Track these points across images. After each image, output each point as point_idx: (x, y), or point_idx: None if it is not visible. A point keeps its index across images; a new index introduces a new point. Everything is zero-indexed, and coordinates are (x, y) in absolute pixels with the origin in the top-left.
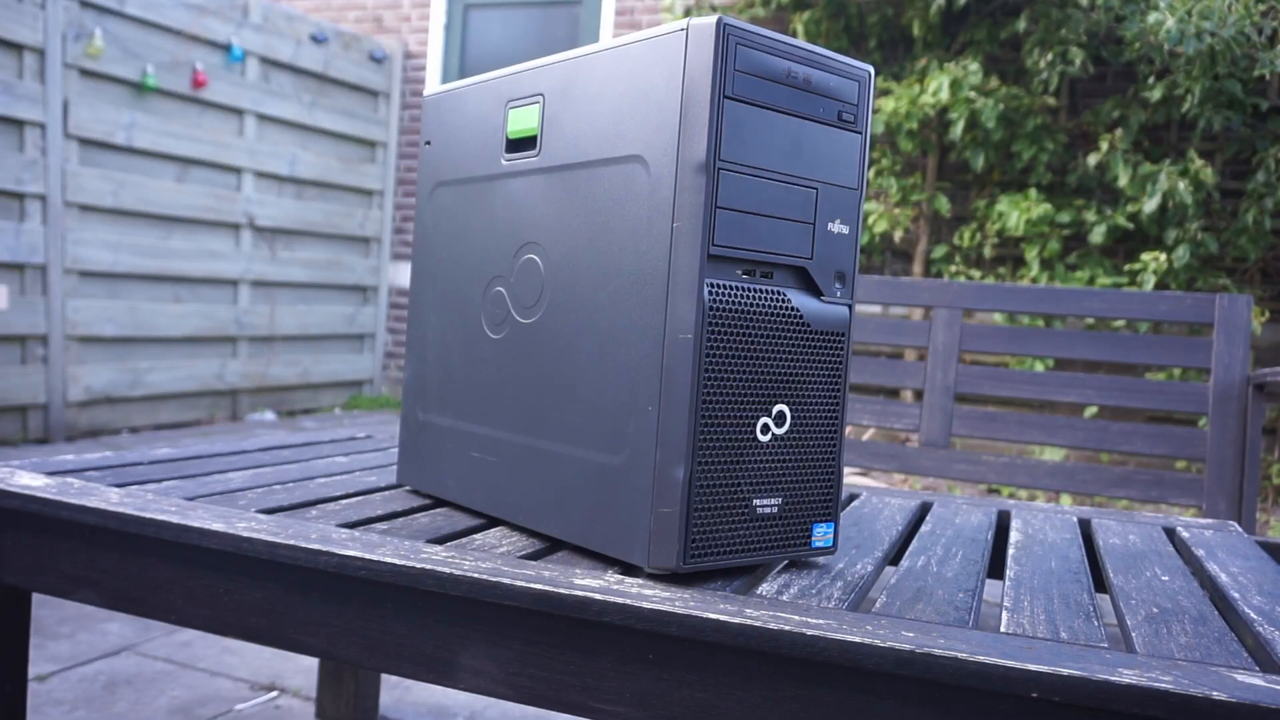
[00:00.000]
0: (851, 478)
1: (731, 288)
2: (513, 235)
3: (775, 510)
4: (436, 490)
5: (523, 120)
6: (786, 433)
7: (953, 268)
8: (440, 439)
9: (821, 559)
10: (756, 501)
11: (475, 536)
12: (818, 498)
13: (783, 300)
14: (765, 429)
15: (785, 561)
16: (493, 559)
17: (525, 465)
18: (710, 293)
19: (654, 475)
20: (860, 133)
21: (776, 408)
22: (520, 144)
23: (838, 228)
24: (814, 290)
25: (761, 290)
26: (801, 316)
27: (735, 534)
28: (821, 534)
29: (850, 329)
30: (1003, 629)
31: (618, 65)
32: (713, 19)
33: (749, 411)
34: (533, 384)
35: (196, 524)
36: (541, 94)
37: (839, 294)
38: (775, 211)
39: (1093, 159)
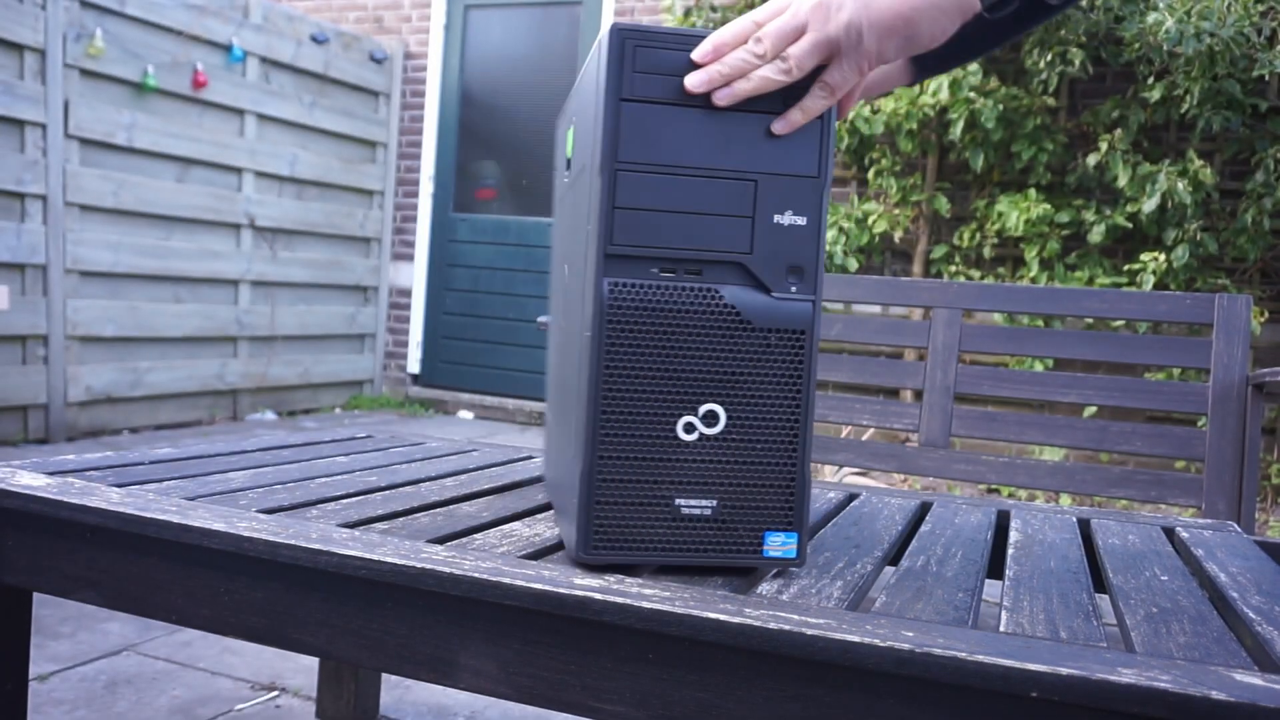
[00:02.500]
0: (851, 478)
1: (638, 285)
2: (562, 246)
3: (709, 513)
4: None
5: (569, 141)
6: (720, 433)
7: (952, 268)
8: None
9: (821, 559)
10: (680, 501)
11: (475, 536)
12: (770, 504)
13: (713, 297)
14: (690, 428)
15: (752, 567)
16: (493, 559)
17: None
18: (611, 290)
19: (579, 469)
20: (819, 116)
21: (705, 407)
22: (569, 163)
23: (789, 219)
24: (759, 286)
25: (683, 288)
26: (739, 313)
27: (653, 531)
28: (779, 543)
29: (814, 326)
30: (1002, 629)
31: (586, 78)
32: (610, 25)
33: (666, 409)
34: (569, 381)
35: (197, 524)
36: (574, 116)
37: (794, 289)
38: (695, 207)
39: (1092, 159)
